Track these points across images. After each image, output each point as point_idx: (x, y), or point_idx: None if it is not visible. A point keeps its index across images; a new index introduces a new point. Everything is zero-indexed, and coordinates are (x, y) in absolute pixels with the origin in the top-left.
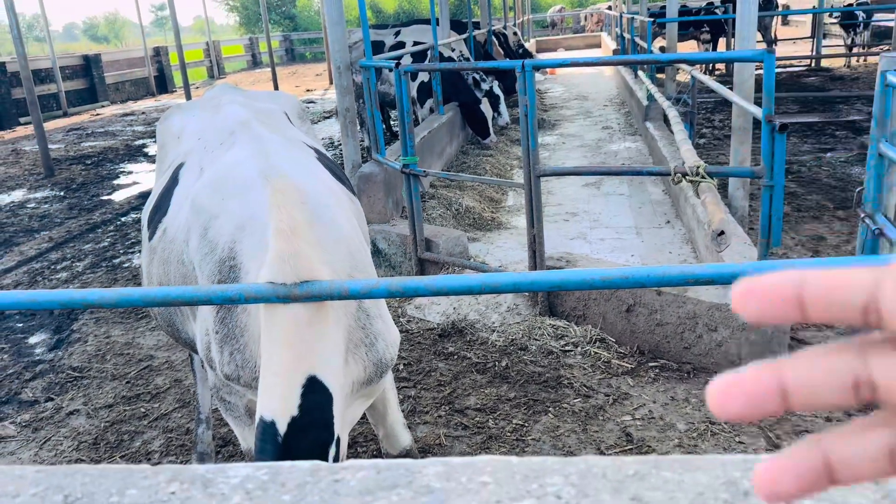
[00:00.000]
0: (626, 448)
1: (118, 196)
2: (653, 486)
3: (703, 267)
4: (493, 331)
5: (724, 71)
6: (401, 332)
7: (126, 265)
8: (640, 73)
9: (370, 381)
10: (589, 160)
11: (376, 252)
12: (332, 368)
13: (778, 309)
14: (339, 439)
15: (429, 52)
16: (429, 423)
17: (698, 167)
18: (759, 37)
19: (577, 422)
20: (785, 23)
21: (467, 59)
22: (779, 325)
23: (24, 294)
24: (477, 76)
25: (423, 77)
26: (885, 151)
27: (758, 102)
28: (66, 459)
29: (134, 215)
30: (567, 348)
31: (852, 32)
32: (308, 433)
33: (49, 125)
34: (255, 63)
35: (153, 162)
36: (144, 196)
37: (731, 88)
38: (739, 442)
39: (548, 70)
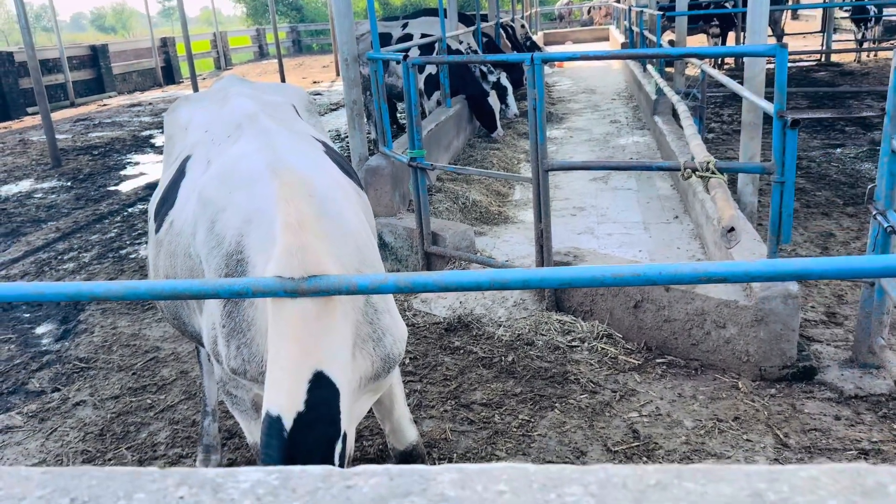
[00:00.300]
0: (633, 445)
1: (125, 187)
2: (675, 497)
3: (716, 264)
4: (500, 325)
5: (733, 65)
6: (407, 325)
7: (133, 256)
8: (648, 66)
9: (377, 376)
10: (597, 154)
11: (383, 245)
12: (339, 364)
13: None
14: (345, 435)
15: (436, 45)
16: (435, 418)
17: (708, 163)
18: (768, 31)
19: (584, 418)
20: (795, 17)
21: (475, 52)
22: (786, 322)
23: (31, 286)
24: (484, 68)
25: (431, 69)
26: None
27: (768, 97)
28: (72, 450)
29: (141, 206)
30: (574, 344)
31: (863, 27)
32: (314, 428)
33: (56, 115)
34: (261, 54)
35: (160, 153)
36: (151, 187)
37: (740, 82)
38: (747, 440)
39: (556, 63)
